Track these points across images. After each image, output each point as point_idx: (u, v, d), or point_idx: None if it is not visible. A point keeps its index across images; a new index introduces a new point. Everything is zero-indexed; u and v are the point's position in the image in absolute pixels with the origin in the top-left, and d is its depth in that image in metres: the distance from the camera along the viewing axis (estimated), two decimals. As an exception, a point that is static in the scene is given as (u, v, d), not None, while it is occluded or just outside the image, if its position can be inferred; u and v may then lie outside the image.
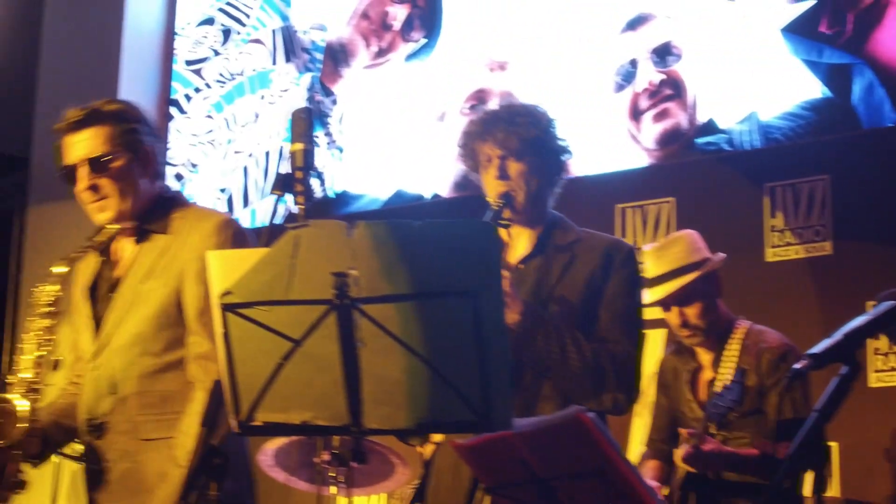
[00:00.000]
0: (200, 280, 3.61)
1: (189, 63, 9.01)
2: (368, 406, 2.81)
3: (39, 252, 8.51)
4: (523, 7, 7.34)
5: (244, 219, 8.31)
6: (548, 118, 3.88)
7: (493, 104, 6.56)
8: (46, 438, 3.72)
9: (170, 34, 9.10)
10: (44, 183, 8.70)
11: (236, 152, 8.58)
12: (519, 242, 3.84)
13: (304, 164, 3.20)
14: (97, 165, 3.74)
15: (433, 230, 2.75)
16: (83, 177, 3.74)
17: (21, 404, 3.55)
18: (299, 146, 3.22)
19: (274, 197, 7.97)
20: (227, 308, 2.83)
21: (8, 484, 3.60)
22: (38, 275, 8.46)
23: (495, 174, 3.78)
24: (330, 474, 5.19)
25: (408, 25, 7.94)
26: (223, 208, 8.39)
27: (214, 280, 2.85)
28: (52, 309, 3.72)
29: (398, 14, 8.00)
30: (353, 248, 2.73)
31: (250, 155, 8.50)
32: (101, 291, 3.82)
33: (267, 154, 8.42)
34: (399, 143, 7.77)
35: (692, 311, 4.92)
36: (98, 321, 3.80)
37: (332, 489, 5.10)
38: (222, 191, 8.51)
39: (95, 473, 3.72)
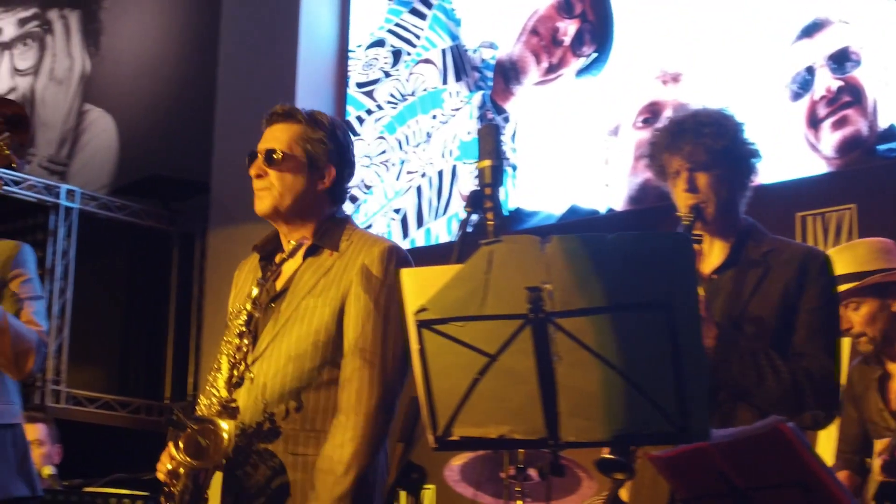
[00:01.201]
0: (361, 303, 3.68)
1: (360, 85, 9.12)
2: (565, 419, 2.80)
3: (220, 274, 8.67)
4: (696, 17, 7.30)
5: (419, 238, 8.39)
6: (735, 124, 3.83)
7: (665, 117, 6.56)
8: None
9: (343, 57, 9.23)
10: (224, 207, 8.89)
11: (409, 172, 8.65)
12: (712, 253, 3.81)
13: (493, 181, 3.21)
14: (270, 157, 3.82)
15: (627, 243, 2.74)
16: (256, 164, 3.84)
17: (224, 426, 3.60)
18: (487, 163, 3.23)
19: (449, 215, 8.09)
20: (423, 324, 2.85)
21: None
22: (220, 296, 8.65)
23: (684, 187, 3.75)
24: (516, 489, 5.22)
25: (578, 40, 7.94)
26: (397, 229, 8.48)
27: (409, 297, 2.88)
28: (245, 329, 3.77)
29: (568, 29, 8.00)
30: (546, 263, 2.74)
31: (423, 175, 8.57)
32: (261, 300, 3.87)
33: (440, 173, 8.48)
34: (572, 158, 7.77)
35: (862, 316, 4.84)
36: (255, 331, 3.85)
37: (518, 503, 5.12)
38: (396, 211, 8.60)
39: (237, 480, 3.75)
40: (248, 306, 3.75)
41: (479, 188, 3.22)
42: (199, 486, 3.61)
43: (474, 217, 3.21)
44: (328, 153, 3.87)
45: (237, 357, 3.73)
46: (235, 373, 3.72)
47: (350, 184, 3.99)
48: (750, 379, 3.55)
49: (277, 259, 3.77)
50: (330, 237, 3.83)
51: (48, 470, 7.08)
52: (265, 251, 3.94)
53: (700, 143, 3.73)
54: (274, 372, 3.73)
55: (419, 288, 2.86)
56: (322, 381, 3.69)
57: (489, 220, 3.19)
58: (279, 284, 3.85)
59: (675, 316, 2.69)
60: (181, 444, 3.58)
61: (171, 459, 3.63)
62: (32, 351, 4.34)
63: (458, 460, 5.58)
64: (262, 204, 3.85)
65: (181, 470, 3.61)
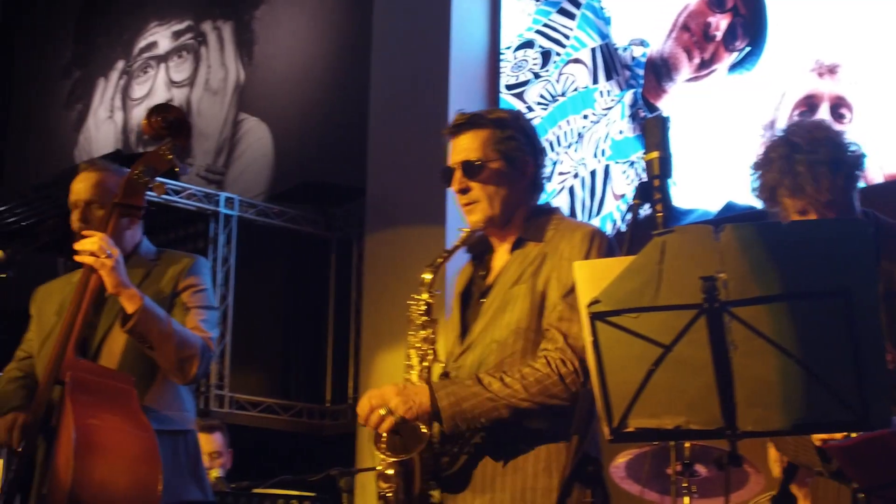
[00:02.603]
0: (562, 287, 3.69)
1: (510, 87, 9.13)
2: (742, 409, 2.79)
3: (378, 278, 8.75)
4: (852, 6, 7.18)
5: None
6: (836, 135, 3.75)
7: (823, 111, 6.47)
8: None
9: (494, 59, 9.25)
10: (379, 210, 8.96)
11: (561, 173, 8.65)
12: None
13: (661, 172, 3.21)
14: (469, 169, 3.82)
15: (803, 230, 2.74)
16: (457, 179, 3.83)
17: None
18: (655, 154, 3.23)
19: (602, 215, 8.07)
20: (596, 317, 2.86)
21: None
22: (378, 300, 8.73)
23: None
24: (682, 485, 5.19)
25: (730, 35, 7.87)
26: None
27: (582, 289, 2.89)
28: (426, 318, 3.82)
29: (720, 24, 7.93)
30: (720, 252, 2.73)
31: (576, 175, 8.56)
32: (473, 297, 3.91)
33: (593, 174, 8.46)
34: (727, 154, 7.69)
35: None
36: (465, 325, 3.89)
37: (686, 500, 5.09)
38: (550, 211, 8.60)
39: (440, 466, 3.76)
40: (425, 295, 3.80)
41: (647, 180, 3.22)
42: (410, 482, 3.65)
43: (643, 209, 3.22)
44: (521, 148, 3.87)
45: (424, 348, 3.77)
46: (426, 364, 3.76)
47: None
48: None
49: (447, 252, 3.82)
50: (535, 229, 3.84)
51: (215, 472, 7.20)
52: (476, 251, 3.97)
53: (819, 181, 3.63)
54: (480, 360, 3.75)
55: (592, 280, 2.87)
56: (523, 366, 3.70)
57: (658, 212, 3.19)
58: (489, 280, 3.89)
59: (855, 303, 2.67)
60: (383, 445, 3.63)
61: (379, 462, 3.69)
62: (197, 357, 4.41)
63: (623, 457, 5.56)
64: (474, 217, 3.85)
65: (390, 471, 3.67)
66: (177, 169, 4.54)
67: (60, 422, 4.24)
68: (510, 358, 3.70)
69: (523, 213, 3.87)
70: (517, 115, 3.97)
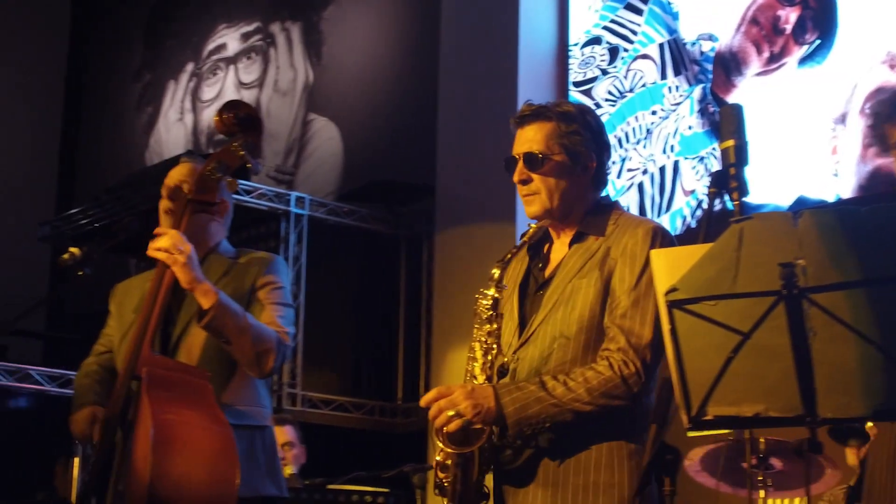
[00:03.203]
0: (625, 283, 3.70)
1: (577, 84, 9.12)
2: (822, 395, 2.79)
3: (448, 275, 8.77)
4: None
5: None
6: None
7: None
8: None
9: (563, 55, 9.25)
10: (449, 208, 8.98)
11: (629, 170, 8.63)
12: None
13: (737, 160, 3.21)
14: (531, 161, 3.84)
15: (882, 215, 2.71)
16: (518, 169, 3.86)
17: None
18: (730, 143, 3.23)
19: (672, 211, 8.04)
20: (674, 305, 2.86)
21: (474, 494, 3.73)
22: (448, 297, 8.75)
23: None
24: (758, 478, 5.18)
25: (800, 28, 7.83)
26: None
27: (659, 278, 2.90)
28: (491, 313, 3.84)
29: (790, 17, 7.89)
30: (799, 237, 2.73)
31: (645, 172, 8.54)
32: (530, 289, 3.93)
33: (662, 170, 8.44)
34: (797, 148, 7.66)
35: None
36: (524, 318, 3.91)
37: (761, 493, 5.08)
38: (618, 208, 8.58)
39: (502, 459, 3.79)
40: (492, 290, 3.82)
41: (722, 168, 3.22)
42: (468, 473, 3.68)
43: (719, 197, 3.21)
44: (585, 143, 3.87)
45: (489, 342, 3.80)
46: (489, 357, 3.79)
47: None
48: None
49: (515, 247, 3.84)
50: (596, 223, 3.85)
51: (289, 469, 7.27)
52: (533, 241, 3.98)
53: None
54: (540, 353, 3.76)
55: (669, 268, 2.88)
56: (587, 361, 3.72)
57: (734, 200, 3.19)
58: (547, 272, 3.91)
59: (935, 287, 2.66)
60: (444, 434, 3.66)
61: (438, 452, 3.72)
62: (273, 350, 4.43)
63: (698, 451, 5.55)
64: (532, 208, 3.88)
65: (448, 461, 3.70)
66: (248, 165, 4.55)
67: (137, 417, 4.27)
68: (573, 353, 3.72)
69: (584, 207, 3.88)
70: (584, 110, 3.96)
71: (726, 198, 3.19)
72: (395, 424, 9.23)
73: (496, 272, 3.83)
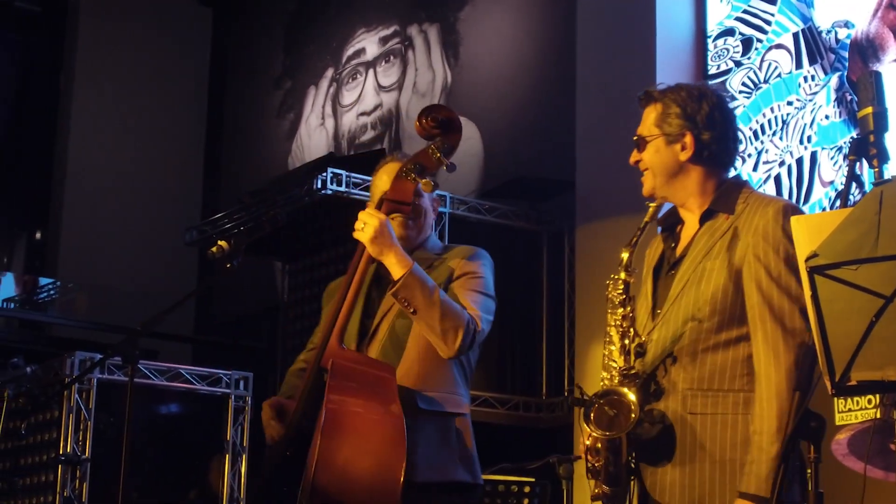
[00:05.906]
0: (761, 265, 3.74)
1: (711, 77, 9.08)
2: (966, 357, 2.81)
3: (589, 269, 8.78)
4: None
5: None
6: None
7: None
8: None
9: (701, 48, 9.21)
10: (589, 203, 9.00)
11: (765, 163, 8.58)
12: None
13: (876, 127, 3.24)
14: (639, 143, 4.04)
15: None
16: (635, 151, 4.06)
17: (631, 395, 3.73)
18: (869, 110, 3.26)
19: (811, 203, 7.98)
20: (815, 270, 2.90)
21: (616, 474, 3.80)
22: (590, 292, 8.76)
23: None
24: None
25: (939, 11, 7.75)
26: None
27: (800, 244, 2.94)
28: (623, 297, 3.91)
29: (929, 0, 7.81)
30: (940, 199, 2.76)
31: (782, 164, 8.49)
32: (663, 271, 4.00)
33: (799, 161, 8.38)
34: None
35: None
36: (656, 299, 3.98)
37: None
38: (755, 201, 8.52)
39: (636, 441, 3.83)
40: (622, 275, 3.90)
41: (861, 135, 3.25)
42: (618, 455, 3.75)
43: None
44: (682, 125, 3.98)
45: (624, 325, 3.87)
46: (626, 341, 3.86)
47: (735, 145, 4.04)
48: None
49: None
50: (725, 201, 3.93)
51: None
52: (667, 223, 4.09)
53: None
54: (672, 334, 3.82)
55: (810, 235, 2.92)
56: (720, 341, 3.76)
57: (874, 167, 3.22)
58: (678, 252, 3.98)
59: None
60: (592, 419, 3.73)
61: (587, 437, 3.79)
62: (461, 328, 4.46)
63: (844, 434, 5.48)
64: (644, 187, 4.07)
65: (598, 445, 3.77)
66: (445, 167, 4.67)
67: (321, 406, 4.40)
68: (705, 335, 3.77)
69: (713, 185, 3.97)
70: (694, 90, 4.06)
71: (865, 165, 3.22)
72: (539, 419, 9.26)
73: (625, 255, 3.91)
